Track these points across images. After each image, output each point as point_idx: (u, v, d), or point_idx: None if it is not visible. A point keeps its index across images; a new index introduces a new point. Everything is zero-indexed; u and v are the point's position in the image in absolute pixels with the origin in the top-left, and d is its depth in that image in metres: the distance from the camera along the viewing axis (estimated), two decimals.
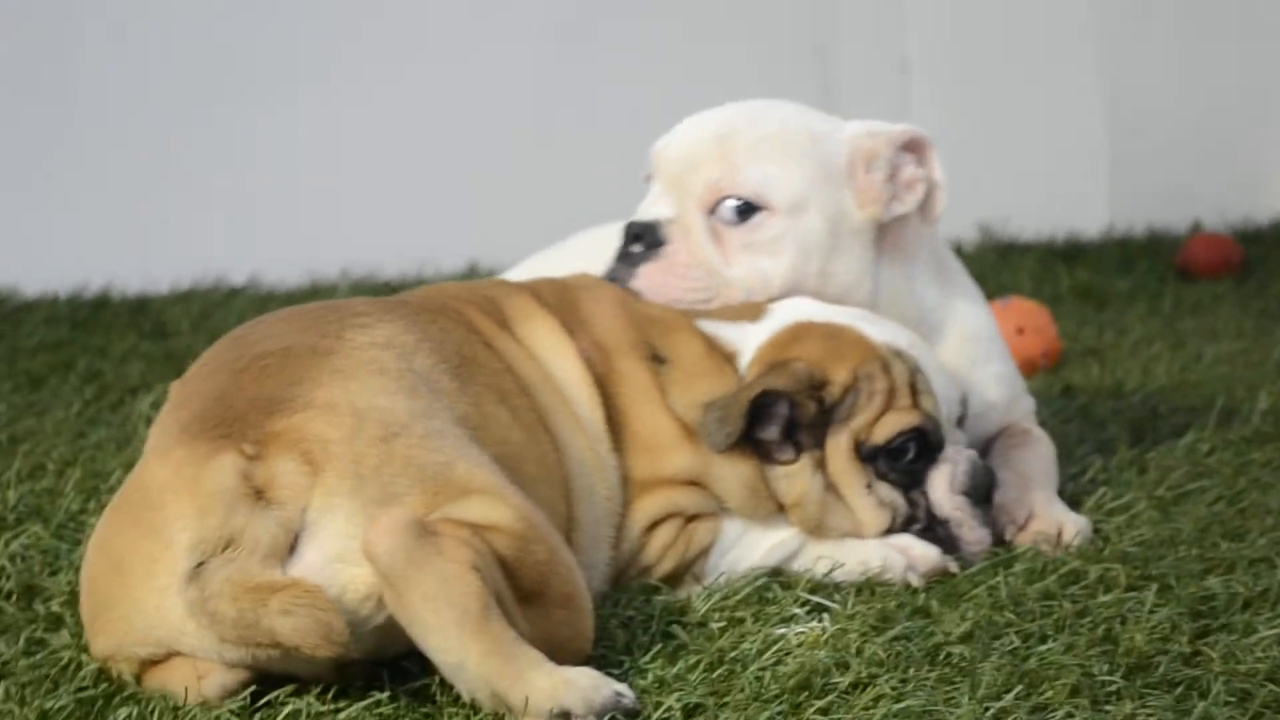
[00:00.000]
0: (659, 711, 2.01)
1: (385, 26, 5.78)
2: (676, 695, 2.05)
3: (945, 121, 6.14)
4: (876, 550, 2.50)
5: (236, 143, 5.62)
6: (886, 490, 2.52)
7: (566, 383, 2.47)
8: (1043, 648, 2.20)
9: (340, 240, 5.56)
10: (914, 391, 2.52)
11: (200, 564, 2.00)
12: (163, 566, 2.04)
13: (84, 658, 2.19)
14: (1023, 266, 5.42)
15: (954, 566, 2.51)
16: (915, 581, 2.47)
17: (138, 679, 2.11)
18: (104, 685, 2.12)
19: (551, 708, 1.95)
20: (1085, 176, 6.30)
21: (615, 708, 1.97)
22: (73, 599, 2.37)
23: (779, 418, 2.47)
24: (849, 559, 2.49)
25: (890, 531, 2.52)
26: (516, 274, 3.42)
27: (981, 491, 2.57)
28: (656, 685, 2.10)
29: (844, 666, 2.14)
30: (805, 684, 2.09)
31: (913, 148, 2.77)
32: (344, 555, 2.03)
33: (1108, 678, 2.10)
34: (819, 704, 2.03)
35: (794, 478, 2.49)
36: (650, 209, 2.75)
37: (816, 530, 2.50)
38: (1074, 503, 2.79)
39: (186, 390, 2.25)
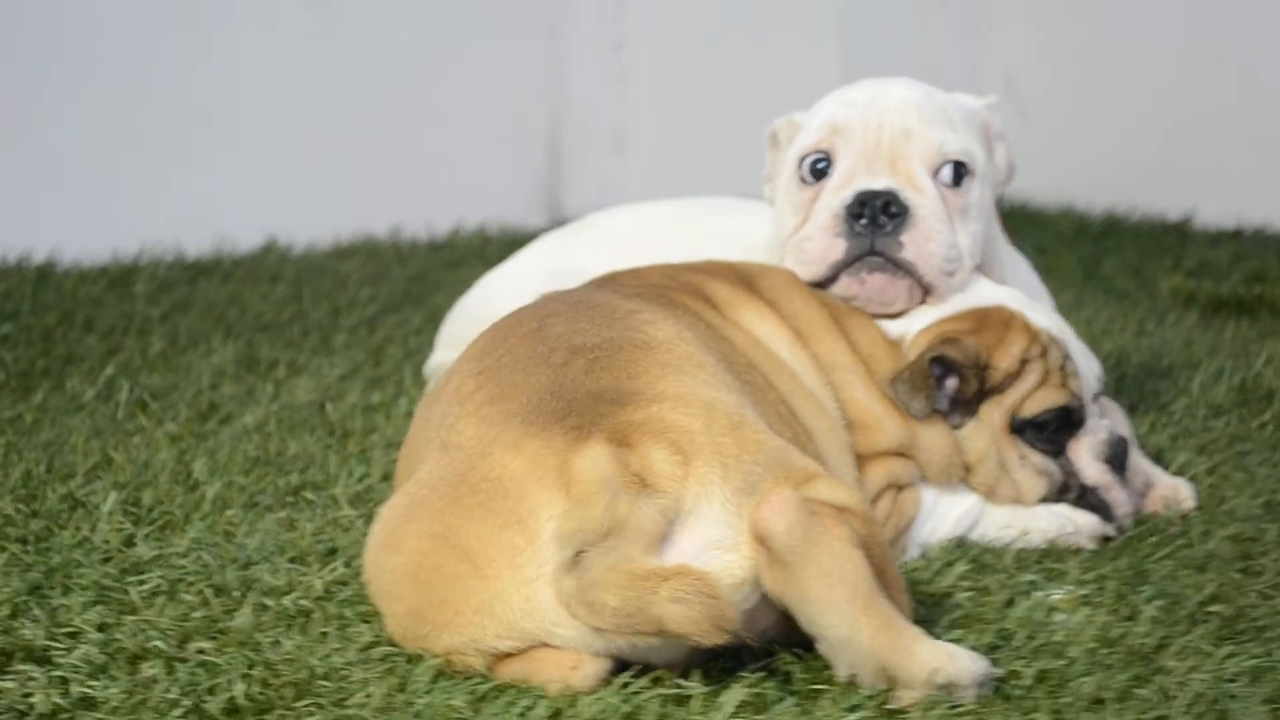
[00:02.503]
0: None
1: None
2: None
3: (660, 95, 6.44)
4: (1052, 519, 2.68)
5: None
6: (1040, 459, 2.70)
7: (795, 366, 2.57)
8: None
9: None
10: (1064, 374, 2.71)
11: (579, 553, 2.02)
12: (529, 557, 2.06)
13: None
14: None
15: (1112, 531, 2.71)
16: (1088, 545, 2.66)
17: (487, 672, 2.11)
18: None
19: (940, 679, 2.05)
20: None
21: (990, 678, 2.09)
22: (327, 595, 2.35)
23: (946, 388, 2.63)
24: (1033, 526, 2.66)
25: (1046, 500, 2.71)
26: (527, 258, 3.45)
27: (1120, 460, 2.77)
28: None
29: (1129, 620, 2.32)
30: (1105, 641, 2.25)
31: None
32: (719, 542, 2.08)
33: None
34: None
35: (972, 438, 2.66)
36: (872, 180, 2.77)
37: (991, 493, 2.67)
38: None
39: (499, 384, 2.26)
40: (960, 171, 2.79)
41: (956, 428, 2.66)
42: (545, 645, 2.09)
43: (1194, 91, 6.07)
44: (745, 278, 2.70)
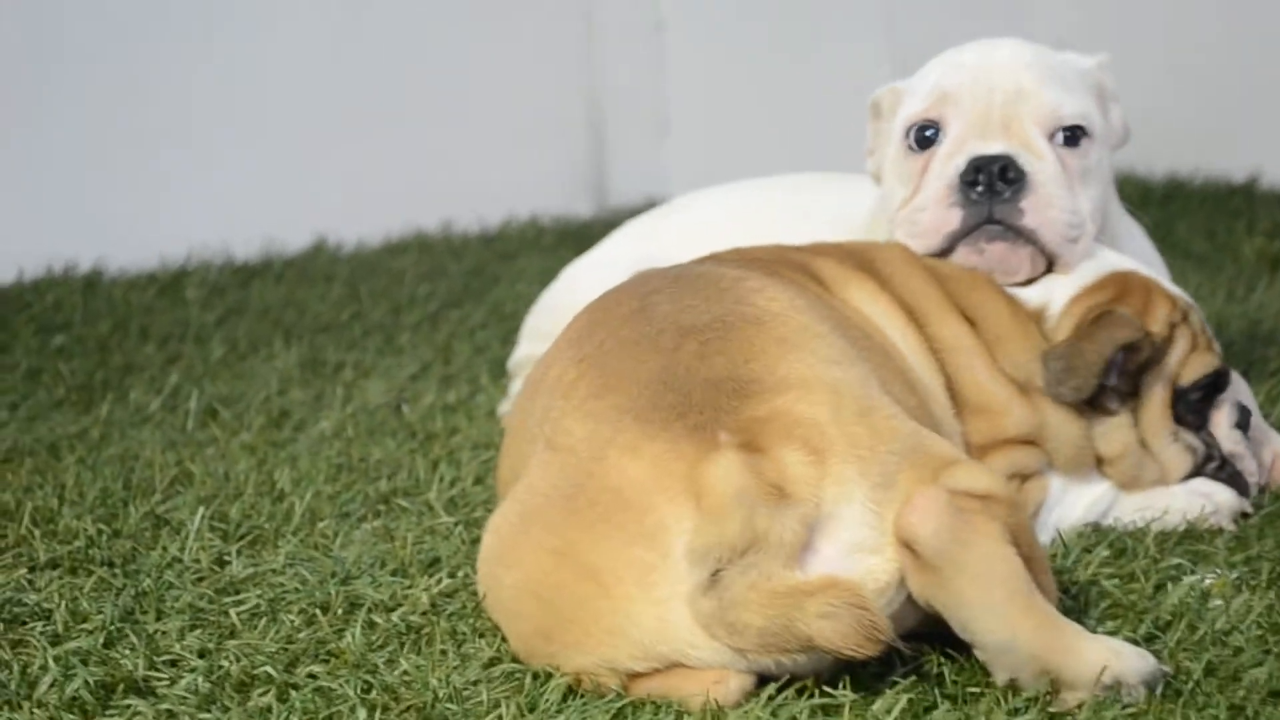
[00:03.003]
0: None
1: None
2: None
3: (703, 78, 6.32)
4: (1189, 498, 2.53)
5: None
6: (1186, 434, 2.56)
7: (907, 348, 2.42)
8: None
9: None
10: (1208, 337, 2.57)
11: (716, 571, 1.88)
12: (660, 575, 1.91)
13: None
14: None
15: (1249, 506, 2.57)
16: (1228, 525, 2.52)
17: (621, 690, 1.98)
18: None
19: (1107, 678, 1.92)
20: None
21: (1161, 677, 1.96)
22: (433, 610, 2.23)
23: (1115, 367, 2.48)
24: (1172, 506, 2.52)
25: (1190, 475, 2.57)
26: (613, 245, 3.32)
27: (1245, 423, 2.63)
28: None
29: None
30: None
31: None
32: (862, 544, 1.94)
33: None
34: None
35: (1115, 431, 2.51)
36: (985, 145, 2.63)
37: (1132, 483, 2.53)
38: None
39: (605, 373, 2.10)
40: (1078, 134, 2.65)
41: (1112, 414, 2.50)
42: (682, 665, 1.95)
43: (1250, 51, 5.92)
44: (855, 255, 2.55)
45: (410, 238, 5.49)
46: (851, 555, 1.93)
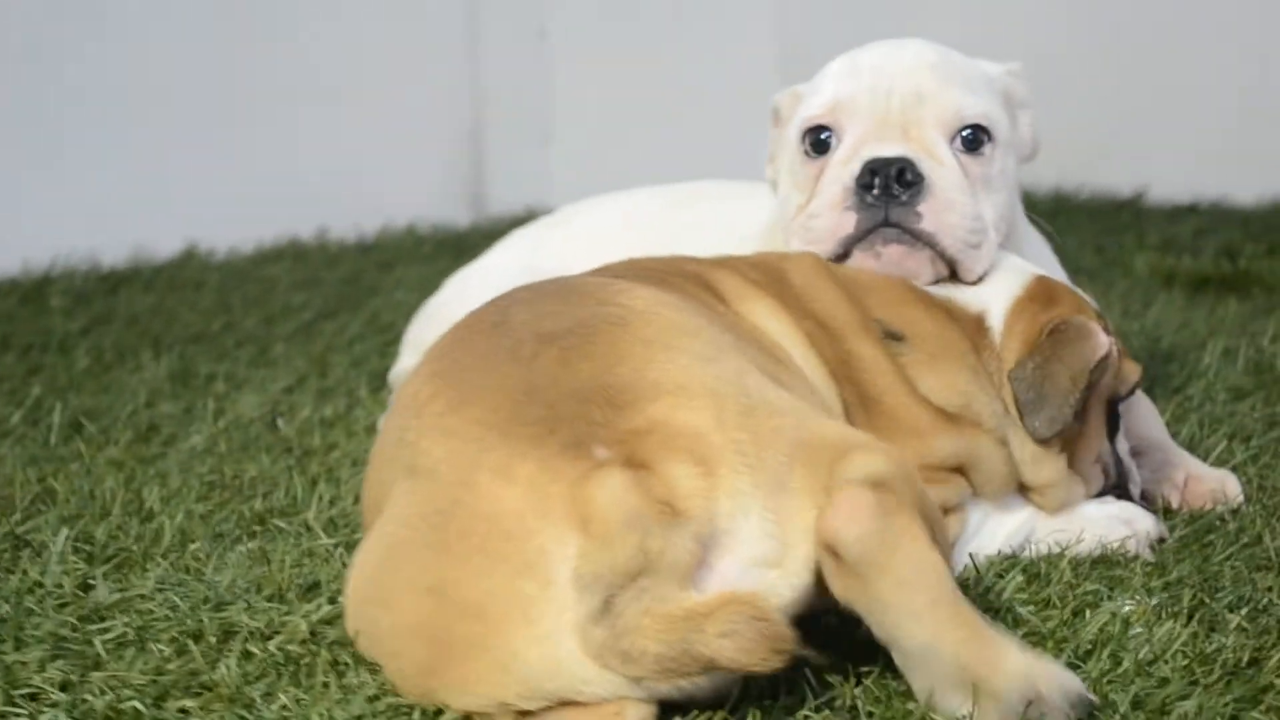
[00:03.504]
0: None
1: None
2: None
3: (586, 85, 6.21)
4: (1109, 524, 2.42)
5: None
6: (1105, 450, 2.46)
7: (808, 366, 2.30)
8: None
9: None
10: (1123, 342, 2.47)
11: (608, 598, 1.75)
12: (546, 607, 1.77)
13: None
14: None
15: (1166, 531, 2.48)
16: (1146, 553, 2.42)
17: None
18: None
19: (1028, 694, 1.81)
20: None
21: (1087, 703, 1.85)
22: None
23: (1091, 389, 2.37)
24: (1087, 533, 2.42)
25: (1101, 493, 2.48)
26: (500, 252, 3.21)
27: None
28: None
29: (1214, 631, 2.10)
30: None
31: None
32: (763, 558, 1.82)
33: None
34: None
35: (1048, 459, 2.39)
36: (882, 148, 2.52)
37: (1060, 508, 2.42)
38: None
39: (459, 387, 1.96)
40: (980, 137, 2.55)
41: (1057, 446, 2.38)
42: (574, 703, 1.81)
43: (1135, 65, 5.91)
44: (762, 267, 2.41)
45: (284, 245, 5.35)
46: (751, 570, 1.82)
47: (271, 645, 2.09)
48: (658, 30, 6.36)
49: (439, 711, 1.87)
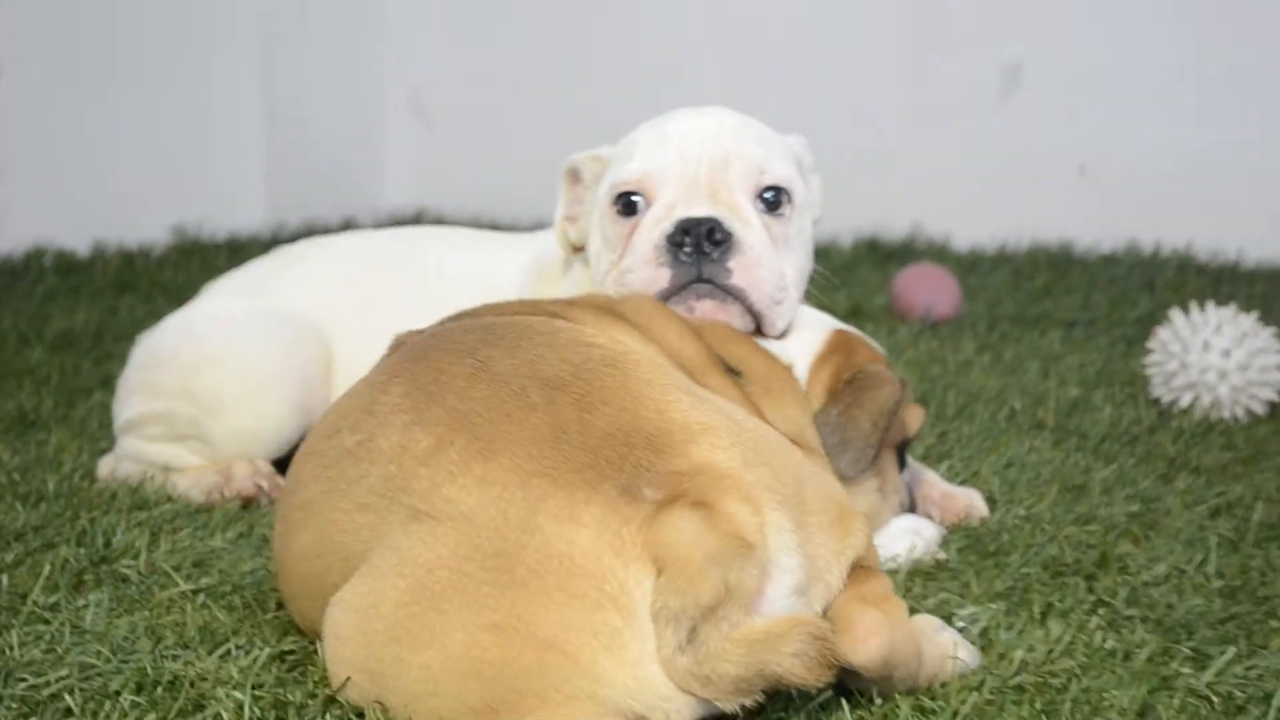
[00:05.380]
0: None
1: None
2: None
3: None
4: (900, 536, 2.67)
5: None
6: (901, 482, 2.72)
7: None
8: None
9: None
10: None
11: (691, 629, 1.88)
12: (629, 637, 1.89)
13: None
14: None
15: (944, 534, 2.76)
16: (940, 555, 2.67)
17: None
18: None
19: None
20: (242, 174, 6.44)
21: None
22: None
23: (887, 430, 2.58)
24: (885, 547, 2.64)
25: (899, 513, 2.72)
26: (224, 296, 3.16)
27: None
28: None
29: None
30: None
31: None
32: (796, 586, 2.01)
33: None
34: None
35: (863, 494, 2.60)
36: (692, 209, 2.66)
37: (876, 529, 2.63)
38: None
39: (478, 436, 2.03)
40: (781, 198, 2.74)
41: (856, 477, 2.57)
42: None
43: None
44: (604, 307, 2.50)
45: None
46: (788, 597, 2.00)
47: None
48: (110, 66, 6.26)
49: None
